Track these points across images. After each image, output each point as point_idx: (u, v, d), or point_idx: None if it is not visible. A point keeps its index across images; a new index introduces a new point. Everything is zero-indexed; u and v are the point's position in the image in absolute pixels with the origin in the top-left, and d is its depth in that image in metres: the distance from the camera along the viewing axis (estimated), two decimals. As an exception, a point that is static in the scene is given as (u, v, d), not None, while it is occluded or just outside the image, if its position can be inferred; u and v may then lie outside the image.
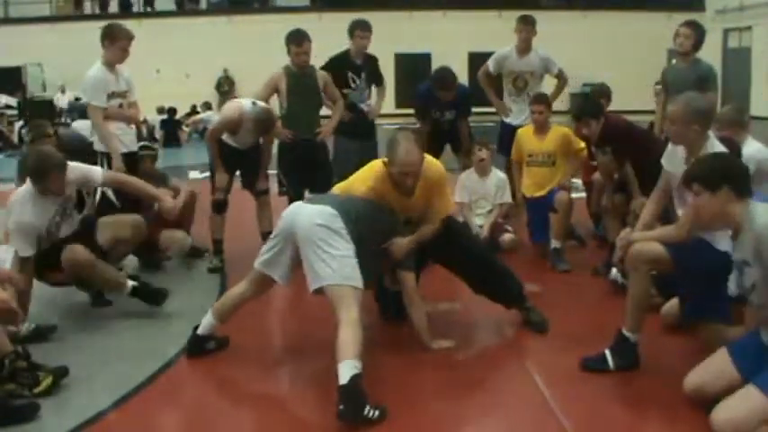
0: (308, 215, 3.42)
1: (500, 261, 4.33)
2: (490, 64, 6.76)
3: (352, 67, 6.16)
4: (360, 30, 6.13)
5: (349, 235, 3.36)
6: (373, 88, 6.38)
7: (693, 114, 3.42)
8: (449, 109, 6.25)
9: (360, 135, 6.14)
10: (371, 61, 6.31)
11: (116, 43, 5.22)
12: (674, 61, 6.26)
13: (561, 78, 6.79)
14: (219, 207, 5.55)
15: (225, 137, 5.49)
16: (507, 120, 6.76)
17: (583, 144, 5.62)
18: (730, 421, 2.72)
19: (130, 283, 4.48)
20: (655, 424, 3.15)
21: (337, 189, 3.95)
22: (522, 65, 6.65)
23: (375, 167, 3.87)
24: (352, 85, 6.16)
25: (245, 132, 5.42)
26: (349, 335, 3.12)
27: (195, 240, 5.86)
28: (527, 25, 6.62)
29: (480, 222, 5.96)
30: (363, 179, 3.84)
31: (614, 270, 4.63)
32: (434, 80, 6.16)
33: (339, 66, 6.14)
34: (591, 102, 5.26)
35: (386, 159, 3.77)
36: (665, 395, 3.32)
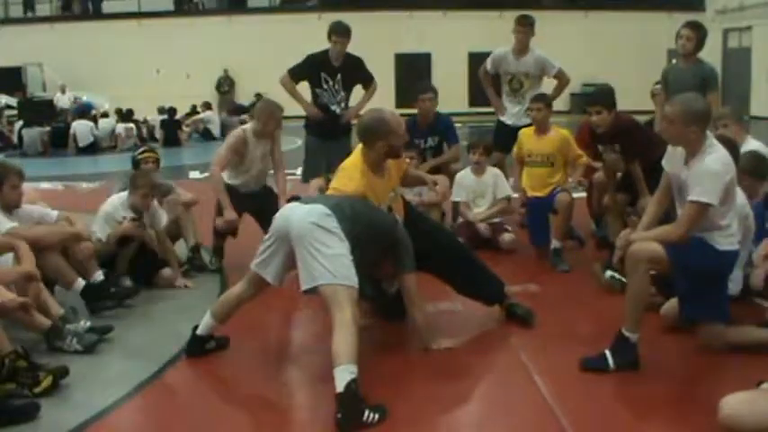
0: (301, 215, 3.41)
1: (479, 259, 4.36)
2: (488, 62, 6.74)
3: (327, 68, 6.14)
4: (336, 35, 6.10)
5: (344, 233, 3.35)
6: (356, 89, 6.38)
7: (691, 115, 3.42)
8: (430, 135, 6.26)
9: (328, 136, 6.15)
10: (353, 63, 6.27)
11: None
12: (674, 61, 6.25)
13: (562, 78, 6.66)
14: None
15: (229, 178, 5.44)
16: (503, 119, 6.75)
17: (580, 152, 5.62)
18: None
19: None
20: (654, 423, 3.15)
21: (329, 192, 3.96)
22: (517, 66, 6.57)
23: (356, 164, 3.89)
24: (324, 86, 6.16)
25: (251, 156, 5.40)
26: (343, 338, 3.11)
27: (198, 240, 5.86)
28: (525, 27, 6.51)
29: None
30: (348, 179, 3.84)
31: (609, 271, 4.63)
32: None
33: (314, 64, 6.15)
34: (607, 91, 5.26)
35: (375, 147, 3.80)
36: (664, 395, 3.33)
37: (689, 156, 3.49)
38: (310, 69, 6.13)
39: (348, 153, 5.66)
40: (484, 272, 4.28)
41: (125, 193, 5.13)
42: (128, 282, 4.95)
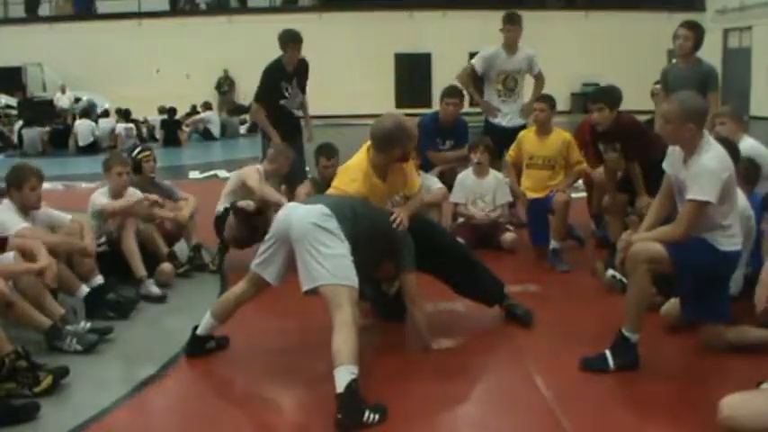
0: (302, 215, 3.42)
1: (479, 260, 4.35)
2: (477, 64, 6.60)
3: (285, 76, 6.30)
4: (293, 43, 6.23)
5: (344, 234, 3.35)
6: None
7: (688, 113, 3.42)
8: (450, 138, 6.37)
9: (288, 138, 6.29)
10: (303, 66, 6.43)
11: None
12: (673, 61, 6.25)
13: (541, 79, 6.65)
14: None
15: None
16: (496, 120, 6.64)
17: (581, 158, 5.61)
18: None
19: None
20: (655, 424, 3.15)
21: (330, 191, 3.96)
22: (512, 64, 6.55)
23: (360, 165, 3.89)
24: (286, 95, 6.31)
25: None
26: (344, 338, 3.11)
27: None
28: (515, 24, 6.49)
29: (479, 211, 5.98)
30: (351, 179, 3.85)
31: (609, 271, 4.64)
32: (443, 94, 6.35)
33: (274, 78, 6.29)
34: (610, 89, 5.25)
35: (392, 153, 3.82)
36: (664, 395, 3.33)
37: (687, 155, 3.49)
38: (273, 84, 6.29)
39: (301, 152, 6.30)
40: (483, 272, 4.28)
41: (105, 187, 5.21)
42: (155, 289, 4.86)
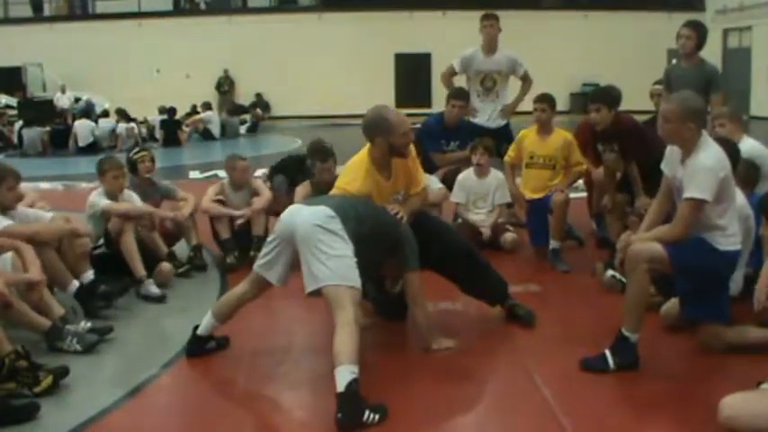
0: (305, 217, 3.42)
1: (483, 258, 4.34)
2: (455, 64, 6.65)
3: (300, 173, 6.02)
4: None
5: (348, 235, 3.36)
6: None
7: (688, 112, 3.42)
8: (454, 139, 6.36)
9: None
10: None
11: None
12: (674, 61, 6.25)
13: (526, 80, 6.67)
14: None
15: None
16: (476, 120, 6.64)
17: (581, 159, 5.61)
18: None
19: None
20: (654, 424, 3.15)
21: (334, 190, 3.96)
22: (489, 64, 6.56)
23: (362, 162, 3.89)
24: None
25: (231, 205, 5.77)
26: (345, 338, 3.11)
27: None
28: (490, 21, 6.50)
29: (479, 219, 5.95)
30: (353, 178, 3.85)
31: (609, 271, 4.64)
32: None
33: (289, 174, 6.15)
34: (611, 90, 5.25)
35: (376, 142, 3.82)
36: (664, 395, 3.33)
37: (685, 155, 3.50)
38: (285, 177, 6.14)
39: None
40: (488, 271, 4.27)
41: (101, 188, 5.20)
42: (155, 289, 4.84)
